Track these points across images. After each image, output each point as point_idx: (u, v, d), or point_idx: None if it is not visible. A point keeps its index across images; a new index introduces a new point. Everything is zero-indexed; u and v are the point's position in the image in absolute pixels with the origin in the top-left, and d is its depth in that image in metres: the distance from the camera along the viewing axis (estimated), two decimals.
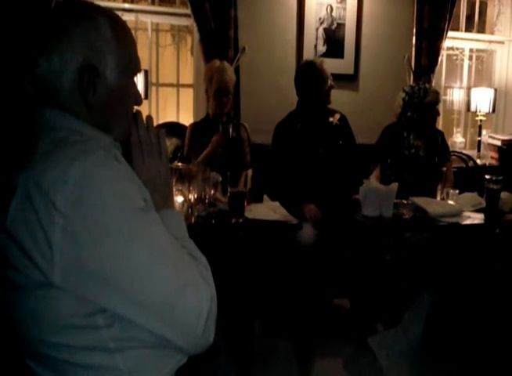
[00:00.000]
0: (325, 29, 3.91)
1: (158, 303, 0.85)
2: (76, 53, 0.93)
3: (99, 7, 0.99)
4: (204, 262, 0.97)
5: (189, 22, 3.76)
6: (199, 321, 0.87)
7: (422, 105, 3.04)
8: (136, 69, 1.05)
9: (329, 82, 2.97)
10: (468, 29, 4.64)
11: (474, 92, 4.35)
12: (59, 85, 0.94)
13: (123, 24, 1.01)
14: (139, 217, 0.87)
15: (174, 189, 2.13)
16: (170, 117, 4.13)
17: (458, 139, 4.54)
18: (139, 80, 3.61)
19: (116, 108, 1.01)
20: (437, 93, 3.09)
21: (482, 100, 4.29)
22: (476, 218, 2.58)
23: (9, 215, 0.84)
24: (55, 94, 0.95)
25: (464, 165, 4.02)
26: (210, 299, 0.89)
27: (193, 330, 0.87)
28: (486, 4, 4.84)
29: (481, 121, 4.37)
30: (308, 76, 2.97)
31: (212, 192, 2.34)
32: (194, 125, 3.15)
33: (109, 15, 0.99)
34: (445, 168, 2.86)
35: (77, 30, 0.93)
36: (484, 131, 4.47)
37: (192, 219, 2.22)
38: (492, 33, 4.77)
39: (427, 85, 3.16)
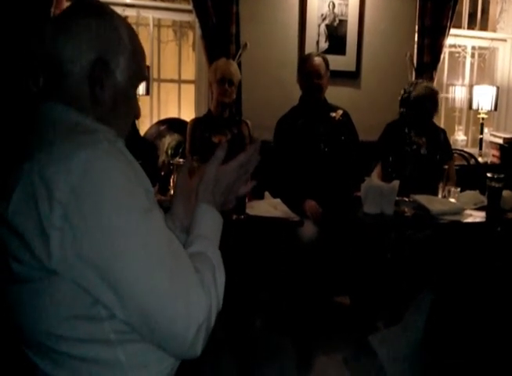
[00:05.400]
0: (327, 25, 3.89)
1: (144, 305, 0.83)
2: (93, 45, 0.95)
3: (115, 11, 1.03)
4: (212, 269, 0.95)
5: (191, 18, 3.74)
6: (186, 334, 0.84)
7: (410, 100, 3.03)
8: (142, 77, 1.09)
9: (323, 79, 2.96)
10: (470, 26, 4.62)
11: (476, 89, 4.33)
12: (70, 70, 0.95)
13: (136, 33, 1.06)
14: (139, 216, 0.86)
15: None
16: (171, 113, 4.12)
17: (460, 137, 4.53)
18: None
19: (117, 108, 1.02)
20: (427, 88, 3.04)
21: (484, 98, 4.27)
22: (477, 217, 2.57)
23: (11, 205, 0.84)
24: (63, 81, 0.96)
25: (466, 163, 4.01)
26: (205, 311, 0.86)
27: (180, 341, 0.85)
28: (489, 1, 4.81)
29: (483, 118, 4.35)
30: (300, 68, 3.09)
31: None
32: (195, 121, 3.15)
33: (126, 21, 1.05)
34: (446, 166, 2.86)
35: (98, 24, 0.96)
36: (486, 129, 4.46)
37: None
38: (494, 30, 4.74)
39: (419, 81, 3.14)
